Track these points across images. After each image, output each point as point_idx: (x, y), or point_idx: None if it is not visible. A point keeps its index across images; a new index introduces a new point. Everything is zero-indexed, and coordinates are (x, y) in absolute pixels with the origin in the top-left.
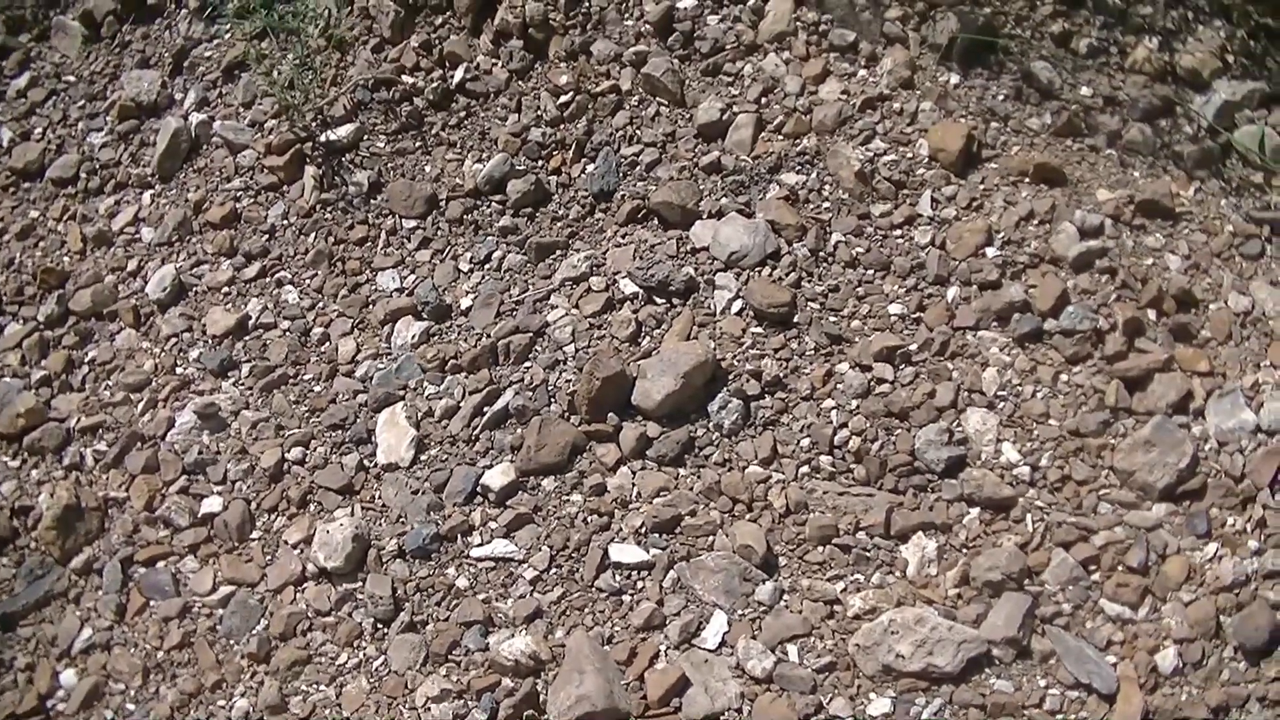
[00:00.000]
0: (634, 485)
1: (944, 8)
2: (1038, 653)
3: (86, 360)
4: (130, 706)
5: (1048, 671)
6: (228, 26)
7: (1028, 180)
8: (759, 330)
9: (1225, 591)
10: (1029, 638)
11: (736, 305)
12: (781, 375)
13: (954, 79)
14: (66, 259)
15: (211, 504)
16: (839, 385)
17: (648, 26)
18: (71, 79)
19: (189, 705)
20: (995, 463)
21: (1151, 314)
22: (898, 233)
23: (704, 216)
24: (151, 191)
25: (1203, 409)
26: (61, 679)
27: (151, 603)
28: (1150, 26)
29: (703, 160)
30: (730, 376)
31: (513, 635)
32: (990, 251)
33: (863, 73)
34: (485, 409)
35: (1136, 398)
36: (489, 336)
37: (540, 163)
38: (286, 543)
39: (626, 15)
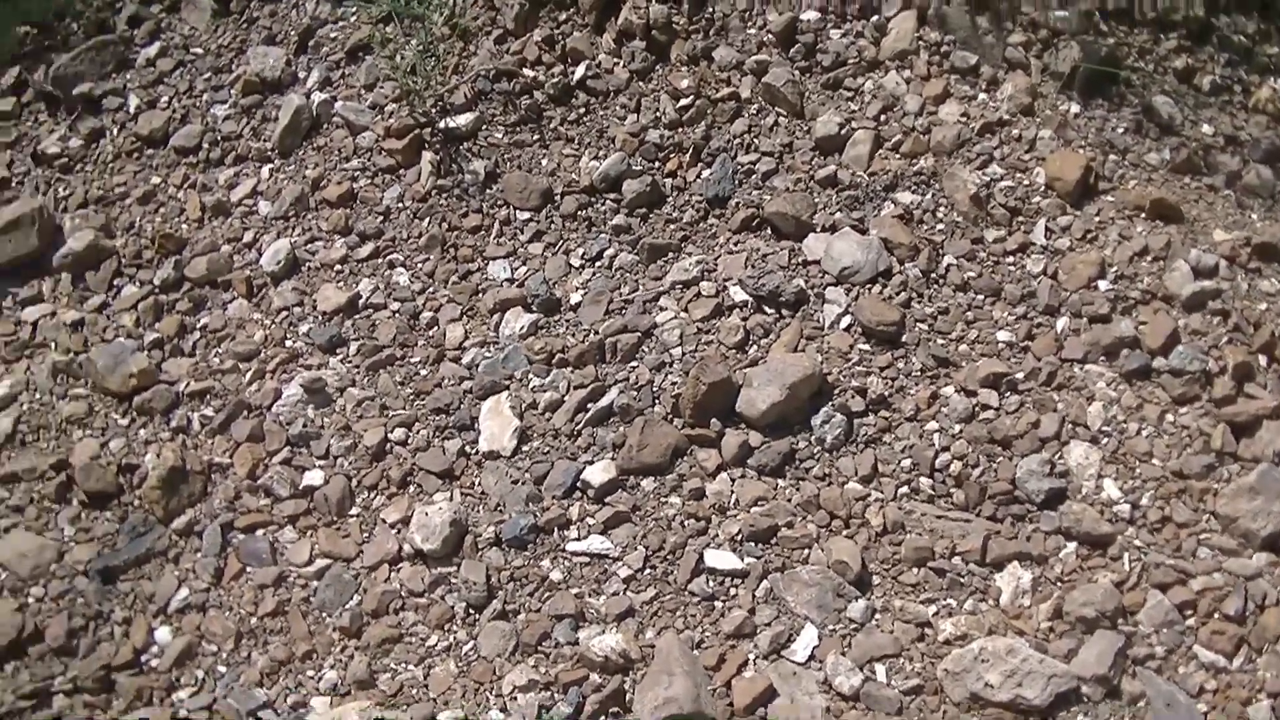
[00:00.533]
0: (733, 492)
1: (1067, 36)
2: (1127, 694)
3: (198, 326)
4: (221, 668)
5: (1136, 714)
6: (354, 9)
7: (1144, 215)
8: (866, 347)
9: None
10: (1119, 677)
11: (845, 321)
12: (886, 394)
13: (1074, 108)
14: (185, 226)
15: (313, 477)
16: (943, 408)
17: (770, 36)
18: (199, 51)
19: (279, 672)
20: (1096, 498)
21: (1262, 359)
22: (1010, 260)
23: (817, 229)
24: (270, 166)
25: None
26: (156, 635)
27: (248, 569)
28: (1275, 67)
29: (819, 173)
30: (835, 391)
31: (603, 631)
32: (1102, 285)
33: (983, 96)
34: (589, 405)
35: (1243, 443)
36: (597, 333)
37: (657, 164)
38: (384, 521)
39: (749, 24)
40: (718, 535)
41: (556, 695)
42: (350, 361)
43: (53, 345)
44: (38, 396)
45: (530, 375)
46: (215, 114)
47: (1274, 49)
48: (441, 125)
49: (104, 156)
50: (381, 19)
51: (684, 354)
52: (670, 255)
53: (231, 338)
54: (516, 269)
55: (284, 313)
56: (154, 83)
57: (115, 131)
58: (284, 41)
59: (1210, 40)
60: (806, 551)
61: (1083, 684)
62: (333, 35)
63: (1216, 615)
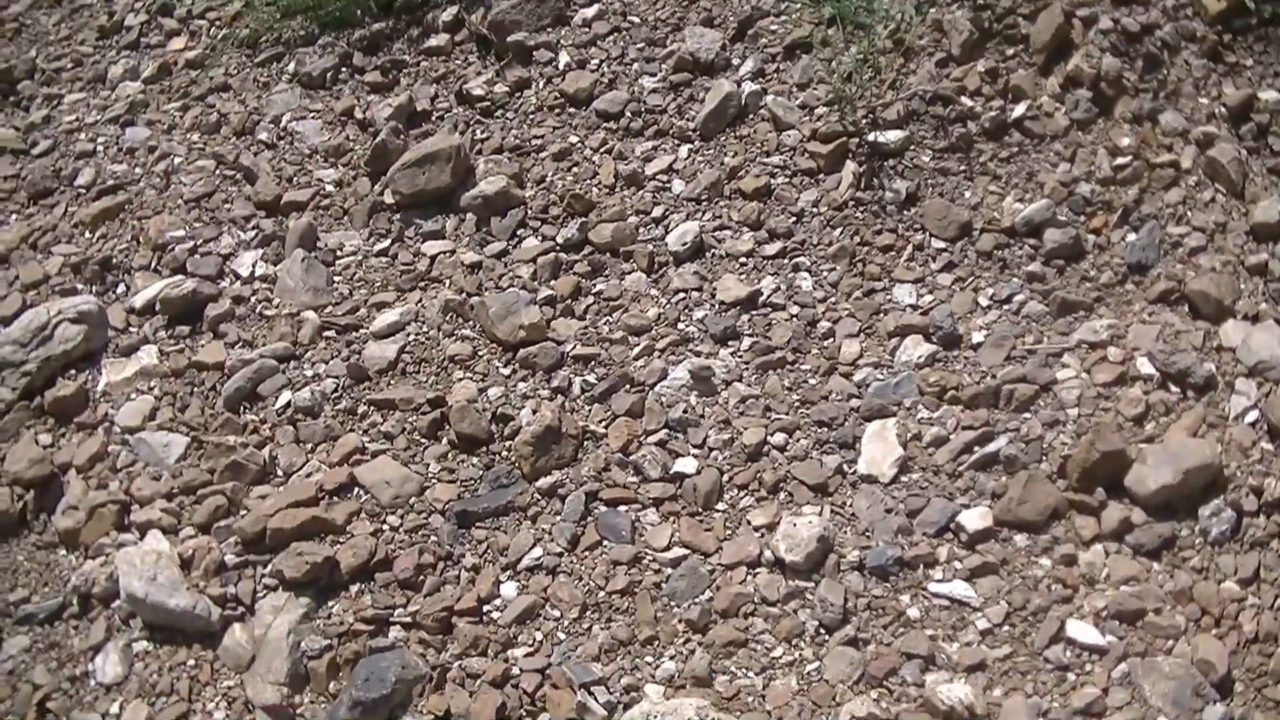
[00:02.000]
0: (1105, 566)
1: None
2: None
3: (593, 292)
4: (561, 635)
5: None
6: (798, 5)
7: None
8: (1269, 447)
9: None
10: None
11: (1252, 415)
12: None
13: None
14: (595, 190)
15: (685, 464)
16: None
17: (1222, 109)
18: (636, 21)
19: (617, 651)
20: None
21: None
22: None
23: (1238, 316)
24: (690, 146)
25: None
26: (502, 589)
27: (605, 542)
28: None
29: (1249, 259)
30: (1230, 486)
31: (952, 680)
32: None
33: None
34: (975, 448)
35: None
36: (994, 377)
37: (1082, 218)
38: (749, 523)
39: (1203, 93)
40: (1083, 607)
41: None
42: (741, 356)
43: (447, 283)
44: (425, 330)
45: (920, 406)
46: (642, 85)
47: None
48: (870, 138)
49: (526, 107)
50: (826, 21)
51: (1079, 416)
52: (1081, 313)
53: (625, 309)
54: (922, 296)
55: (681, 295)
56: (587, 43)
57: (541, 84)
58: (722, 25)
59: None
60: (1171, 642)
61: None
62: (772, 28)
63: None
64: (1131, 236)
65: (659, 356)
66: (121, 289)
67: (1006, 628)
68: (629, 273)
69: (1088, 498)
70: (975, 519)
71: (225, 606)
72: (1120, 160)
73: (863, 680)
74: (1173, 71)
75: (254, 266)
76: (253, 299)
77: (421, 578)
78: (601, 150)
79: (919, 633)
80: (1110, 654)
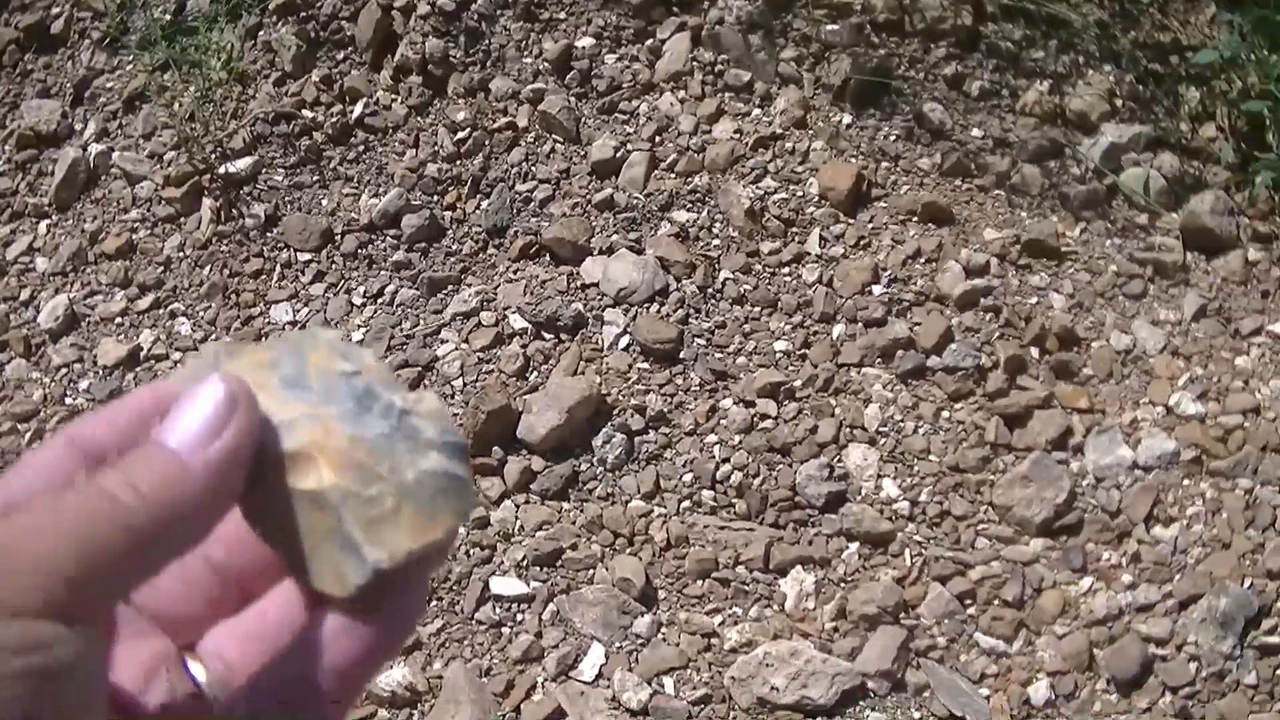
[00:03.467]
0: (517, 518)
1: (839, 49)
2: (912, 685)
3: None
4: None
5: (922, 704)
6: (130, 58)
7: (916, 219)
8: (645, 366)
9: (1099, 625)
10: (904, 670)
11: (624, 341)
12: (666, 411)
13: (846, 119)
14: None
15: None
16: (722, 421)
17: (546, 65)
18: None
19: None
20: (875, 498)
21: (1034, 352)
22: (786, 270)
23: (595, 253)
24: (48, 221)
25: (1082, 445)
26: None
27: None
28: (1042, 71)
29: (595, 197)
30: (615, 412)
31: (391, 666)
32: (877, 289)
33: (756, 112)
34: None
35: (1016, 434)
36: None
37: (436, 198)
38: None
39: (525, 53)
40: (503, 562)
41: None
42: None
43: None
44: None
45: None
46: None
47: (1039, 54)
48: (221, 171)
49: None
50: (159, 67)
51: (465, 385)
52: (450, 288)
53: (9, 399)
54: (299, 310)
55: (63, 370)
56: None
57: None
58: (59, 93)
59: (978, 47)
60: (591, 571)
61: (868, 680)
62: (109, 85)
63: (996, 602)
64: (485, 204)
65: (51, 437)
66: None
67: (434, 603)
68: (7, 362)
69: (487, 459)
70: None
71: None
72: (460, 135)
73: None
74: (494, 39)
75: None
76: None
77: None
78: None
79: None
80: (537, 598)
